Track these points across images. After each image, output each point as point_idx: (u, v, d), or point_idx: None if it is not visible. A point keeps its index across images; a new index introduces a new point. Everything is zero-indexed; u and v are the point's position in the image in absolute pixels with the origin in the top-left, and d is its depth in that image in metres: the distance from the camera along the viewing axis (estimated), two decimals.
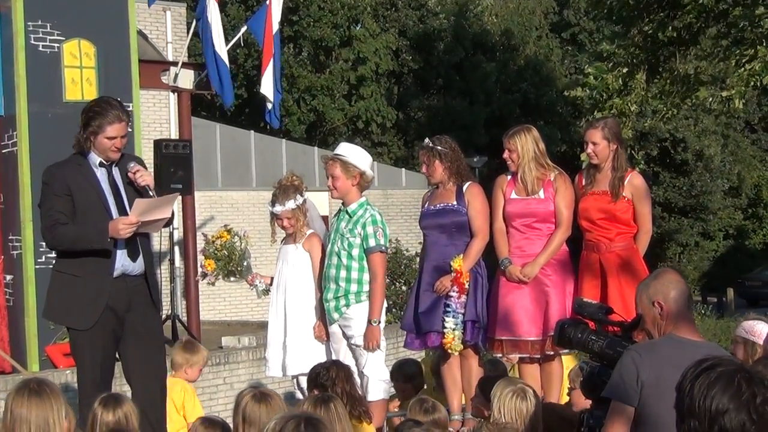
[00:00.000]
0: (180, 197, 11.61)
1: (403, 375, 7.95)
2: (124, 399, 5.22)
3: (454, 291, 6.93)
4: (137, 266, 6.27)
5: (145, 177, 6.25)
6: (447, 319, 6.94)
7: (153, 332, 6.48)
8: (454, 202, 7.07)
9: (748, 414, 3.16)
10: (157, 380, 6.33)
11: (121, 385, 6.52)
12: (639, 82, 18.40)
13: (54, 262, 6.44)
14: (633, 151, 19.43)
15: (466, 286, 6.94)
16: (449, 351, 6.99)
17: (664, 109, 19.18)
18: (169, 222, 6.42)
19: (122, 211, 6.18)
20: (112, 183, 6.23)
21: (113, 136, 6.14)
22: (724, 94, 17.40)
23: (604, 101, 18.45)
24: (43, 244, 10.82)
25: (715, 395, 3.18)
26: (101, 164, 6.21)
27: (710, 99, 18.46)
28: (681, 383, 3.26)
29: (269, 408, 4.60)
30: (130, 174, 6.24)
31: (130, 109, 11.18)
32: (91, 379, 6.12)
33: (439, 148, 7.09)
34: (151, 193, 6.22)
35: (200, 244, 14.72)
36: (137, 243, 6.25)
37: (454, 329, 6.91)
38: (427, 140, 7.22)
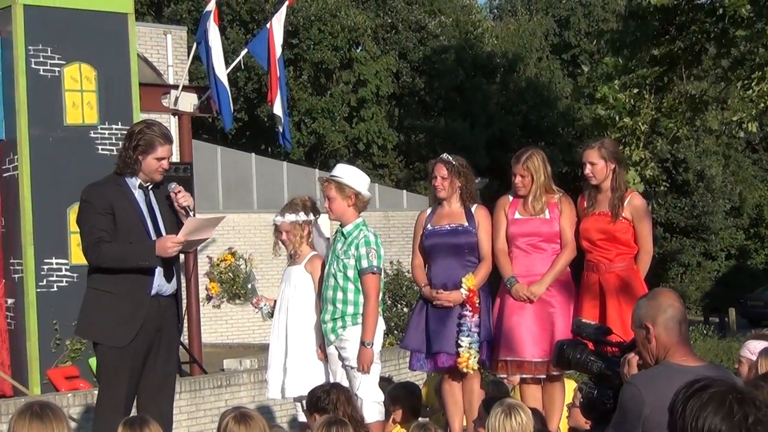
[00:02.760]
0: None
1: (392, 397, 7.88)
2: (149, 420, 5.20)
3: (467, 310, 6.92)
4: (171, 287, 6.32)
5: (187, 198, 6.30)
6: (462, 338, 6.91)
7: (172, 354, 6.55)
8: (466, 223, 7.09)
9: None
10: (169, 401, 6.42)
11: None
12: (648, 102, 18.42)
13: (88, 279, 6.38)
14: (653, 170, 19.32)
15: (478, 305, 6.95)
16: (464, 370, 6.96)
17: (675, 128, 19.14)
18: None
19: (158, 233, 6.22)
20: (149, 205, 6.28)
21: (163, 156, 6.22)
22: (735, 118, 17.36)
23: (615, 122, 18.45)
24: (45, 267, 10.98)
25: (707, 416, 3.15)
26: (140, 186, 6.26)
27: (723, 126, 18.46)
28: (673, 404, 3.24)
29: (249, 429, 4.60)
30: (171, 194, 6.30)
31: None
32: (122, 397, 6.12)
33: (457, 165, 7.12)
34: (191, 214, 6.27)
35: (204, 266, 14.70)
36: (172, 263, 6.29)
37: (469, 348, 6.89)
38: (445, 155, 7.22)
